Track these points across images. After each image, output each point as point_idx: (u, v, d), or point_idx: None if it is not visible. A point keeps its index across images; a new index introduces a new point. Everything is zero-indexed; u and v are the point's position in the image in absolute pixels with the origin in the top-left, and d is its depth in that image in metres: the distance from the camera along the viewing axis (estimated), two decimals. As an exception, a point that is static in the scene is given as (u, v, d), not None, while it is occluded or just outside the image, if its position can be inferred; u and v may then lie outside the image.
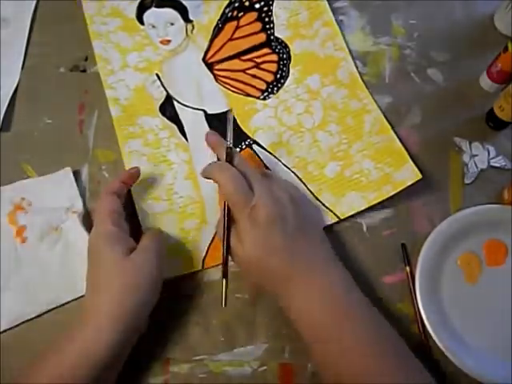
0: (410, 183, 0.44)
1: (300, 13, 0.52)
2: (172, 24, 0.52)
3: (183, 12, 0.53)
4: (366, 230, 0.44)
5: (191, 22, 0.52)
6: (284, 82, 0.50)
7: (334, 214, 0.44)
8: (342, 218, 0.44)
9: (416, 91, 0.50)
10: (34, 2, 0.54)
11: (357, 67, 0.50)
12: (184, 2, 0.53)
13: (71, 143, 0.48)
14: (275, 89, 0.49)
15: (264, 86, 0.50)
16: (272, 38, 0.51)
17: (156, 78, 0.50)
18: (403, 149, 0.46)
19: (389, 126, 0.47)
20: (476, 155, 0.47)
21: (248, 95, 0.49)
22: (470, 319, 0.41)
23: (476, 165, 0.46)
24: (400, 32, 0.52)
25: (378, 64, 0.51)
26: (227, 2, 0.53)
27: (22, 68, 0.51)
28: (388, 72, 0.51)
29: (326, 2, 0.52)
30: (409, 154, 0.46)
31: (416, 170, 0.45)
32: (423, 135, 0.48)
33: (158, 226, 0.44)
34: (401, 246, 0.43)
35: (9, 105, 0.49)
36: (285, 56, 0.50)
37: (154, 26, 0.52)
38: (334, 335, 0.35)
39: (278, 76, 0.50)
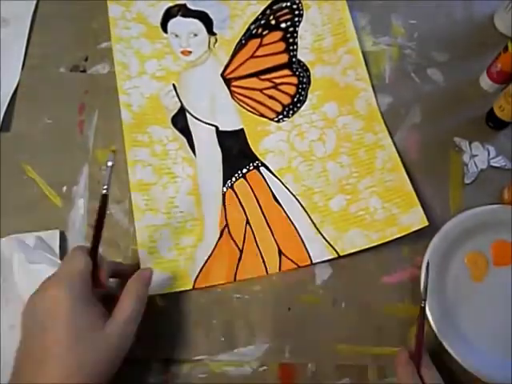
0: (415, 228, 0.43)
1: (325, 38, 0.51)
2: (195, 35, 0.51)
3: (208, 24, 0.52)
4: (366, 229, 0.44)
5: (215, 35, 0.52)
6: (300, 107, 0.49)
7: (334, 249, 0.43)
8: (341, 254, 0.43)
9: (416, 91, 0.50)
10: (34, 2, 0.54)
11: (377, 99, 0.49)
12: (210, 15, 0.52)
13: (71, 143, 0.48)
14: (291, 112, 0.48)
15: (280, 109, 0.49)
16: (294, 60, 0.50)
17: (172, 88, 0.50)
18: (413, 192, 0.44)
19: (401, 166, 0.45)
20: (476, 155, 0.47)
21: (262, 115, 0.48)
22: (474, 317, 0.41)
23: (476, 165, 0.46)
24: (400, 32, 0.52)
25: (378, 64, 0.51)
26: (253, 18, 0.52)
27: (22, 68, 0.51)
28: (388, 72, 0.51)
29: (354, 30, 0.51)
30: (418, 197, 0.44)
31: (424, 216, 0.43)
32: (423, 135, 0.48)
33: (153, 238, 0.43)
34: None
35: (9, 105, 0.49)
36: (305, 80, 0.49)
37: (177, 36, 0.51)
38: None
39: (296, 99, 0.49)
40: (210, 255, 0.43)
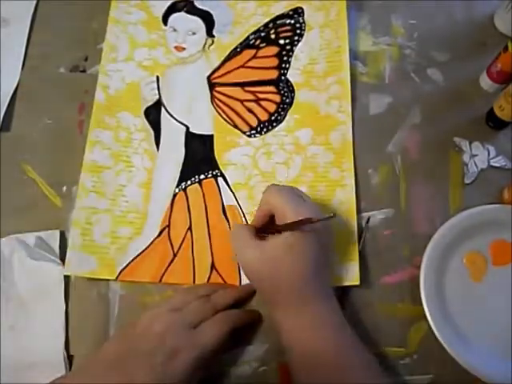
0: (345, 284, 0.42)
1: (319, 63, 0.50)
2: (194, 33, 0.51)
3: (209, 25, 0.52)
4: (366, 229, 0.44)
5: (212, 37, 0.52)
6: (275, 126, 0.48)
7: None
8: None
9: (416, 91, 0.50)
10: (34, 2, 0.54)
11: (353, 134, 0.47)
12: (214, 17, 0.52)
13: (71, 143, 0.48)
14: (264, 130, 0.48)
15: (255, 124, 0.48)
16: (283, 78, 0.49)
17: (155, 79, 0.50)
18: (357, 246, 0.43)
19: (355, 213, 0.44)
20: (476, 155, 0.47)
21: (236, 127, 0.48)
22: (473, 317, 0.41)
23: (476, 165, 0.46)
24: (400, 32, 0.52)
25: (378, 64, 0.51)
26: (255, 29, 0.52)
27: (22, 68, 0.51)
28: (388, 72, 0.51)
29: (348, 62, 0.49)
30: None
31: (358, 275, 0.42)
32: (423, 135, 0.48)
33: (90, 220, 0.44)
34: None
35: (9, 105, 0.49)
36: (287, 100, 0.48)
37: (175, 30, 0.52)
38: (320, 367, 0.35)
39: (273, 118, 0.48)
40: (143, 251, 0.43)
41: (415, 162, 0.47)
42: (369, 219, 0.43)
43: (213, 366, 0.39)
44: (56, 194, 0.46)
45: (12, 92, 0.49)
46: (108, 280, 0.43)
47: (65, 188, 0.46)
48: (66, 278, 0.42)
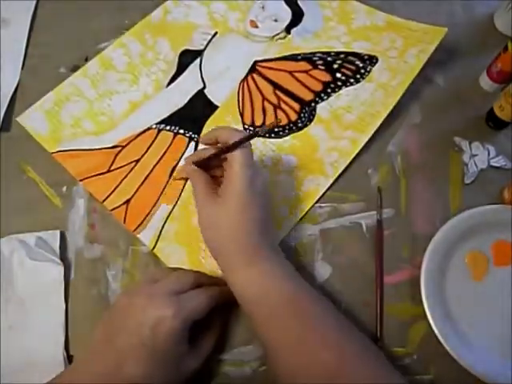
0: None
1: (352, 114, 0.48)
2: (276, 21, 0.52)
3: (294, 23, 0.53)
4: (365, 230, 0.44)
5: (289, 34, 0.52)
6: (272, 138, 0.47)
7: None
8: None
9: (416, 91, 0.50)
10: (34, 2, 0.54)
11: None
12: (304, 18, 0.53)
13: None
14: (261, 134, 0.46)
15: (259, 123, 0.48)
16: (312, 105, 0.49)
17: (212, 34, 0.52)
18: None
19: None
20: (476, 155, 0.47)
21: (241, 115, 0.48)
22: (474, 317, 0.41)
23: (476, 165, 0.46)
24: (400, 32, 0.52)
25: (378, 64, 0.51)
26: (326, 50, 0.51)
27: (22, 68, 0.51)
28: (388, 72, 0.50)
29: (374, 130, 0.46)
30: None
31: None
32: (423, 135, 0.48)
33: (68, 97, 0.48)
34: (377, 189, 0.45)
35: (9, 105, 0.49)
36: (300, 125, 0.48)
37: (263, 7, 0.53)
38: (275, 317, 0.35)
39: (277, 130, 0.48)
40: (89, 150, 0.47)
41: (415, 161, 0.47)
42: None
43: (208, 359, 0.38)
44: (56, 194, 0.46)
45: (12, 92, 0.49)
46: (107, 280, 0.43)
47: (65, 188, 0.46)
48: (66, 278, 0.42)
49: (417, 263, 0.42)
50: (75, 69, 0.51)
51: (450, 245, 0.42)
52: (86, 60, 0.51)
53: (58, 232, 0.44)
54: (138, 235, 0.43)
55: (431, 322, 0.39)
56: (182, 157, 0.46)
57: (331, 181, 0.45)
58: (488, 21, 0.53)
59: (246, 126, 0.48)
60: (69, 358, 0.40)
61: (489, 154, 0.47)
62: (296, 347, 0.34)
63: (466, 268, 0.42)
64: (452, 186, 0.46)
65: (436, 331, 0.39)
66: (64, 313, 0.41)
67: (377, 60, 0.50)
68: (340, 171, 0.46)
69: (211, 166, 0.40)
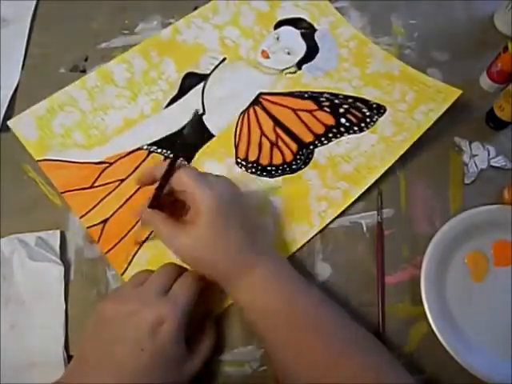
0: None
1: (349, 165, 0.46)
2: (288, 54, 0.50)
3: (307, 58, 0.51)
4: (365, 230, 0.44)
5: (299, 69, 0.50)
6: (264, 176, 0.46)
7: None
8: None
9: (416, 91, 0.50)
10: (34, 2, 0.54)
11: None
12: (317, 55, 0.51)
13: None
14: (253, 170, 0.46)
15: (252, 159, 0.46)
16: (311, 147, 0.47)
17: (220, 59, 0.51)
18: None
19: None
20: (476, 155, 0.47)
21: (236, 147, 0.47)
22: (474, 317, 0.41)
23: (476, 165, 0.46)
24: (400, 32, 0.52)
25: (378, 64, 0.51)
26: (335, 91, 0.49)
27: (22, 68, 0.51)
28: (388, 72, 0.50)
29: (368, 185, 0.45)
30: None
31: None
32: (423, 135, 0.48)
33: (62, 106, 0.47)
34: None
35: (9, 105, 0.49)
36: (294, 167, 0.46)
37: (278, 39, 0.51)
38: (280, 322, 0.35)
39: (269, 169, 0.46)
40: (74, 162, 0.46)
41: (415, 162, 0.47)
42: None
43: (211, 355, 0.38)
44: (56, 194, 0.46)
45: (12, 92, 0.49)
46: (107, 280, 0.43)
47: (65, 188, 0.46)
48: (66, 278, 0.42)
49: (417, 263, 0.42)
50: (75, 69, 0.51)
51: (450, 245, 0.42)
52: (86, 60, 0.51)
53: (58, 232, 0.44)
54: (109, 258, 0.42)
55: (431, 322, 0.39)
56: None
57: (316, 231, 0.44)
58: (488, 21, 0.53)
59: (239, 160, 0.46)
60: (69, 358, 0.40)
61: (489, 154, 0.47)
62: (298, 352, 0.34)
63: (466, 268, 0.42)
64: (452, 185, 0.46)
65: (436, 331, 0.39)
66: (64, 313, 0.41)
67: (385, 110, 0.48)
68: (326, 223, 0.44)
69: (169, 200, 0.39)
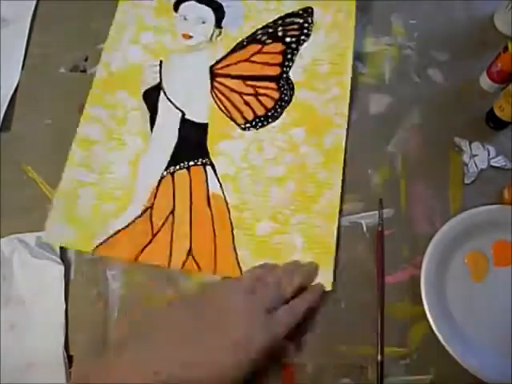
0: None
1: (322, 64, 0.49)
2: (203, 22, 0.51)
3: (219, 17, 0.52)
4: (365, 230, 0.44)
5: (221, 28, 0.52)
6: (271, 122, 0.48)
7: (240, 269, 0.42)
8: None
9: (416, 91, 0.49)
10: (34, 2, 0.54)
11: (348, 136, 0.47)
12: (225, 9, 0.52)
13: (71, 143, 0.48)
14: (259, 124, 0.48)
15: (251, 117, 0.48)
16: (284, 76, 0.49)
17: (158, 63, 0.50)
18: (334, 250, 0.43)
19: (336, 218, 0.44)
20: (476, 155, 0.47)
21: (231, 119, 0.48)
22: (474, 317, 0.41)
23: (476, 165, 0.46)
24: (400, 32, 0.52)
25: (378, 64, 0.51)
26: (263, 24, 0.52)
27: (22, 68, 0.51)
28: (388, 72, 0.51)
29: (351, 64, 0.49)
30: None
31: (331, 279, 0.41)
32: (423, 135, 0.48)
33: (74, 192, 0.45)
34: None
35: (9, 105, 0.49)
36: (286, 98, 0.48)
37: (185, 19, 0.52)
38: None
39: (270, 114, 0.48)
40: (123, 228, 0.44)
41: (415, 162, 0.47)
42: None
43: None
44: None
45: (12, 92, 0.49)
46: (107, 280, 0.43)
47: (65, 188, 0.46)
48: (66, 278, 0.42)
49: (417, 263, 0.42)
50: (75, 69, 0.51)
51: (450, 245, 0.42)
52: (86, 60, 0.51)
53: (58, 232, 0.44)
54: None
55: (431, 321, 0.39)
56: (207, 183, 0.45)
57: (345, 128, 0.47)
58: (488, 21, 0.53)
59: (243, 126, 0.48)
60: (69, 358, 0.40)
61: (489, 154, 0.47)
62: None
63: (466, 268, 0.42)
64: (452, 186, 0.46)
65: (436, 331, 0.39)
66: (64, 313, 0.41)
67: (311, 9, 0.51)
68: (347, 117, 0.47)
69: None
